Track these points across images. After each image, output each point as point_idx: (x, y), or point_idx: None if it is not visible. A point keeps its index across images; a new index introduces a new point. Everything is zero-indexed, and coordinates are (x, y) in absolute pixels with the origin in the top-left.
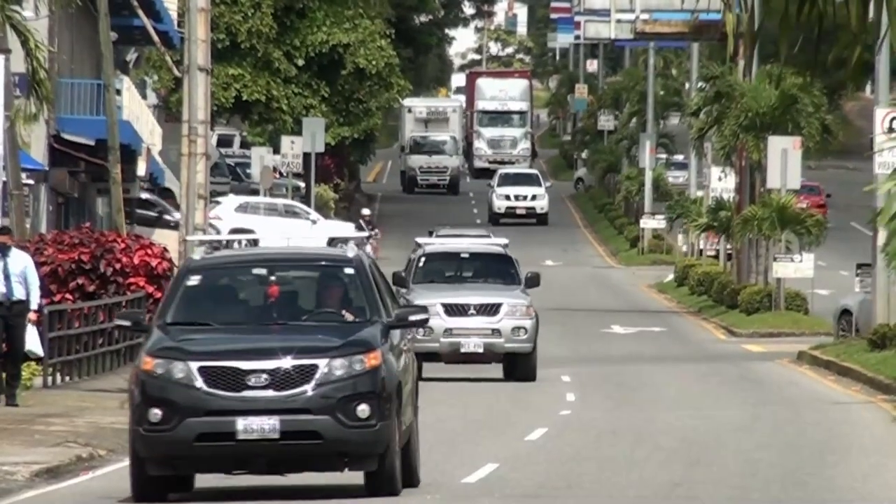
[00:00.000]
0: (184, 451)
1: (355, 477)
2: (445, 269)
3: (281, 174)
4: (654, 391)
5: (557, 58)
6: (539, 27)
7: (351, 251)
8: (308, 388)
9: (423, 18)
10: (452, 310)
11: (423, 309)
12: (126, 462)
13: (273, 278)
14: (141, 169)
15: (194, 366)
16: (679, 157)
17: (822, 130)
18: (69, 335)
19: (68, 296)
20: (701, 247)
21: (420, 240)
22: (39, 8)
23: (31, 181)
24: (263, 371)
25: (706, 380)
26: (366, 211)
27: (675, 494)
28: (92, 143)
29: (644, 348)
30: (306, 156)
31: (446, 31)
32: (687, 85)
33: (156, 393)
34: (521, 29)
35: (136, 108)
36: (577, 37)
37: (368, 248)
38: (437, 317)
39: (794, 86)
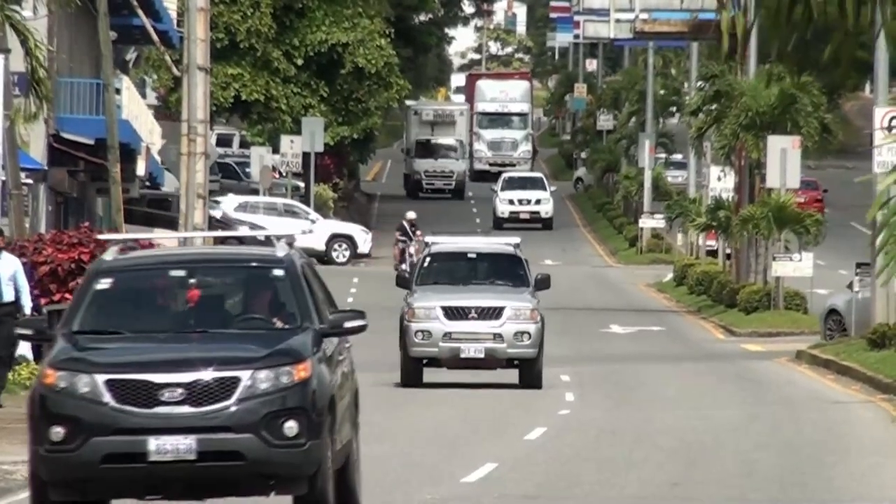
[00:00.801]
0: (89, 473)
1: (282, 501)
2: (451, 269)
3: (280, 174)
4: (653, 391)
5: (556, 57)
6: (538, 26)
7: (281, 250)
8: (229, 404)
9: (423, 18)
10: (452, 313)
11: (360, 314)
12: None
13: (193, 281)
14: (140, 168)
15: (101, 379)
16: (678, 157)
17: (822, 130)
18: None
19: (68, 295)
20: (700, 243)
21: (430, 239)
22: (38, 7)
23: (30, 181)
24: (179, 384)
25: (705, 379)
26: (411, 214)
27: (674, 494)
28: (91, 142)
29: (643, 348)
30: (305, 155)
31: (446, 30)
32: (686, 84)
33: (58, 409)
34: (521, 28)
35: (135, 107)
36: (577, 36)
37: (412, 251)
38: (437, 320)
39: (793, 85)
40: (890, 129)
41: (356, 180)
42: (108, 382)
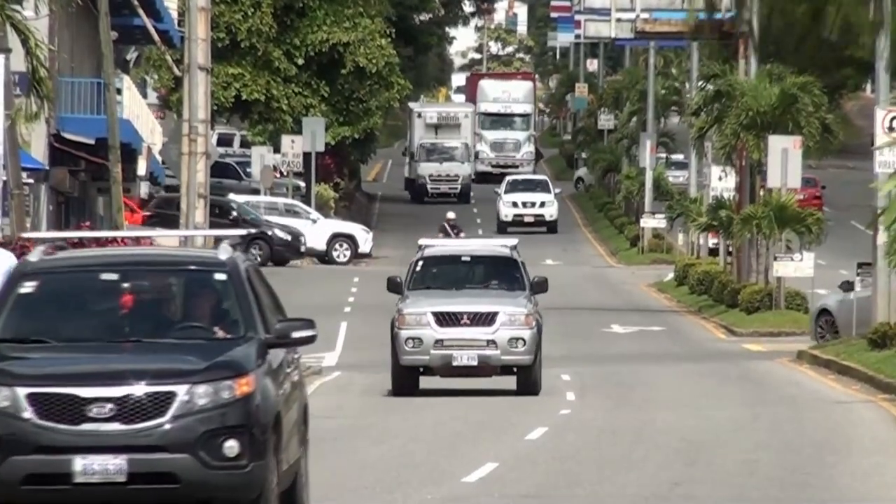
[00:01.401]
0: (9, 495)
1: None
2: (445, 273)
3: (281, 173)
4: (654, 391)
5: (557, 57)
6: (539, 26)
7: (224, 253)
8: (163, 421)
9: (424, 17)
10: (444, 319)
11: (310, 323)
12: None
13: (126, 285)
14: (141, 168)
15: (22, 392)
16: (679, 157)
17: (823, 130)
18: None
19: None
20: (702, 242)
21: (423, 241)
22: (40, 7)
23: (31, 180)
24: (109, 399)
25: (706, 379)
26: (451, 215)
27: (675, 494)
28: (92, 142)
29: (644, 348)
30: (306, 155)
31: (446, 30)
32: (687, 84)
33: None
34: (522, 28)
35: (136, 107)
36: (578, 36)
37: None
38: (428, 327)
39: (794, 85)
40: (891, 129)
41: (357, 180)
42: (30, 396)
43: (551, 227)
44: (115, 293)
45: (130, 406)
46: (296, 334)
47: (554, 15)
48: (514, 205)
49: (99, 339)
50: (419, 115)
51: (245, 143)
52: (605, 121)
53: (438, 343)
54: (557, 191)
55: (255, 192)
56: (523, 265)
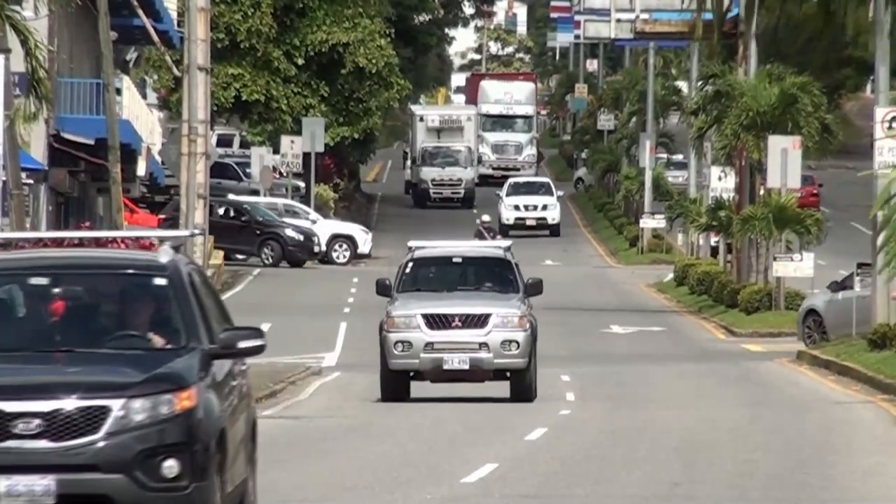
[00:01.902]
0: None
1: None
2: (435, 275)
3: (281, 174)
4: (654, 391)
5: (557, 57)
6: (539, 26)
7: (165, 256)
8: (96, 438)
9: (423, 18)
10: (434, 322)
11: (257, 332)
12: None
13: (57, 290)
14: (141, 168)
15: None
16: (679, 157)
17: (822, 130)
18: None
19: None
20: (702, 242)
21: (412, 243)
22: (39, 7)
23: (30, 181)
24: (36, 414)
25: (706, 379)
26: (486, 217)
27: (675, 494)
28: (92, 142)
29: (643, 348)
30: (306, 155)
31: (446, 30)
32: (686, 84)
33: None
34: (521, 28)
35: (135, 107)
36: (577, 36)
37: None
38: (417, 330)
39: (793, 85)
40: (891, 128)
41: (357, 181)
42: None
43: (554, 230)
44: (44, 299)
45: (60, 422)
46: (242, 344)
47: (553, 15)
48: (516, 208)
49: (26, 348)
50: (421, 119)
51: (245, 144)
52: (605, 121)
53: (429, 346)
54: (560, 193)
55: (255, 192)
56: (517, 266)
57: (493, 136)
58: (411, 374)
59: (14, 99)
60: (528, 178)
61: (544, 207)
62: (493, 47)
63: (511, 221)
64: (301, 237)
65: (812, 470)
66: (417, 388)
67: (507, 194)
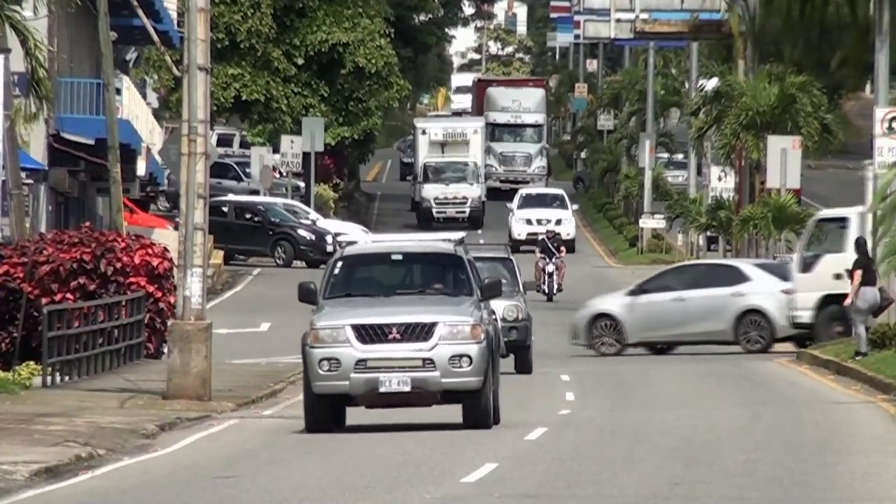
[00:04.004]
0: None
1: None
2: (370, 277)
3: (281, 174)
4: (654, 391)
5: (557, 57)
6: (539, 26)
7: None
8: None
9: (423, 18)
10: (367, 334)
11: None
12: (126, 461)
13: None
14: (140, 168)
15: None
16: (679, 157)
17: (822, 130)
18: (69, 335)
19: (69, 295)
20: (702, 243)
21: (343, 238)
22: (39, 7)
23: (30, 180)
24: None
25: (705, 379)
26: (551, 227)
27: (675, 494)
28: (91, 142)
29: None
30: (306, 155)
31: (446, 30)
32: (686, 84)
33: None
34: (521, 28)
35: (135, 107)
36: (577, 36)
37: (551, 269)
38: (347, 344)
39: (793, 85)
40: (890, 129)
41: (356, 180)
42: None
43: (569, 246)
44: None
45: None
46: None
47: (553, 15)
48: (528, 222)
49: None
50: (423, 132)
51: (244, 144)
52: (605, 121)
53: (360, 364)
54: (575, 207)
55: (255, 192)
56: (471, 264)
57: (501, 147)
58: (352, 399)
59: (14, 99)
60: (540, 190)
61: (558, 222)
62: (493, 47)
63: (523, 237)
64: (313, 237)
65: (812, 470)
66: (357, 413)
67: (519, 207)
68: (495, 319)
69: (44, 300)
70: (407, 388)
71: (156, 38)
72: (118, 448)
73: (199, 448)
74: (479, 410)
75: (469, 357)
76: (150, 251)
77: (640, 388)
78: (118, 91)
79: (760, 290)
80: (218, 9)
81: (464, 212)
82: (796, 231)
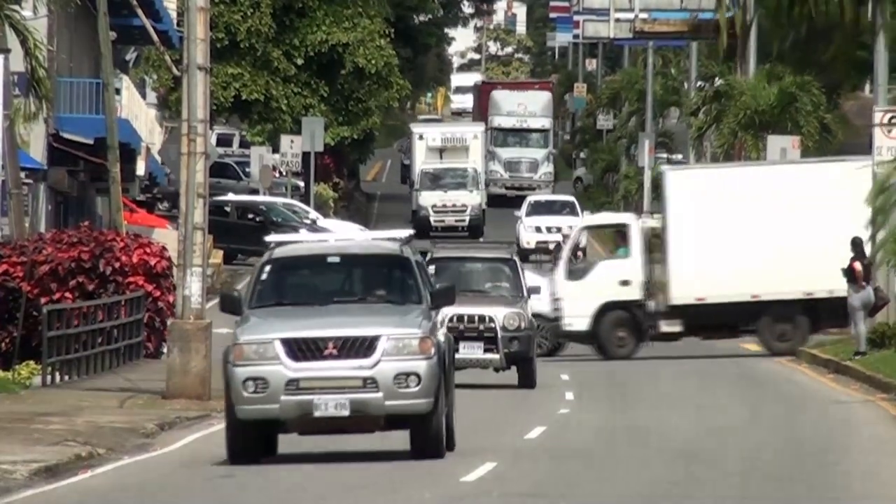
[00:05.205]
0: None
1: None
2: (303, 282)
3: (280, 173)
4: (654, 390)
5: (556, 57)
6: (538, 26)
7: None
8: None
9: (423, 18)
10: (300, 349)
11: None
12: (126, 460)
13: None
14: (140, 168)
15: None
16: (678, 157)
17: (821, 129)
18: (68, 334)
19: (68, 294)
20: None
21: (272, 238)
22: (38, 7)
23: (30, 180)
24: None
25: (705, 379)
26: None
27: (675, 493)
28: (91, 142)
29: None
30: (305, 155)
31: (445, 30)
32: (686, 84)
33: None
34: (521, 28)
35: (135, 107)
36: (576, 36)
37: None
38: (276, 361)
39: (792, 84)
40: (890, 128)
41: (356, 180)
42: None
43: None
44: None
45: None
46: None
47: (553, 15)
48: (538, 230)
49: None
50: (420, 137)
51: (244, 143)
52: (604, 120)
53: (292, 385)
54: (587, 213)
55: (254, 192)
56: (420, 266)
57: (506, 153)
58: (274, 423)
59: (14, 99)
60: (549, 197)
61: (570, 230)
62: (493, 47)
63: (532, 245)
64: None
65: (811, 469)
66: (291, 441)
67: (527, 214)
68: (448, 330)
69: (43, 300)
70: (345, 413)
71: (155, 37)
72: (118, 447)
73: (198, 447)
74: (428, 437)
75: (417, 375)
76: (148, 250)
77: (639, 387)
78: (118, 91)
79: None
80: (218, 8)
81: (463, 220)
82: None
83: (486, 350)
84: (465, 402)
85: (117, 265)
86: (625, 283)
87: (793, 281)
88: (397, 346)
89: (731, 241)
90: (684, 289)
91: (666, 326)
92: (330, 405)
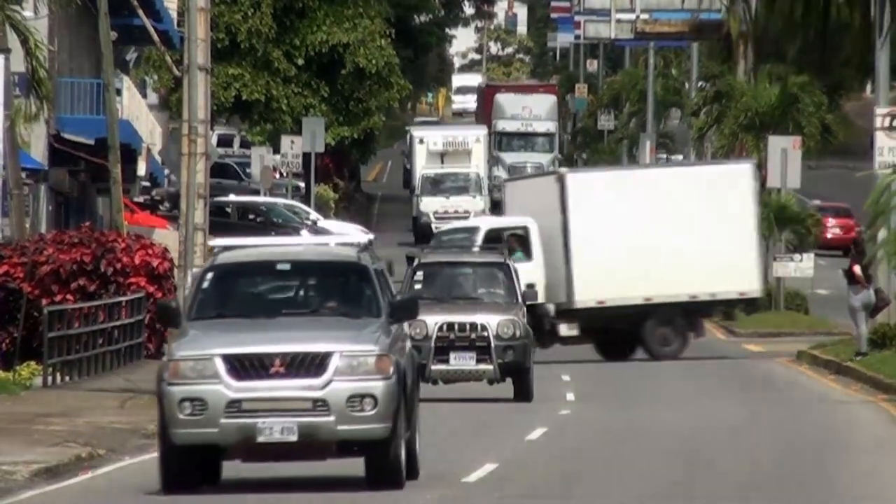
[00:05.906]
0: None
1: None
2: (248, 292)
3: (281, 174)
4: (654, 391)
5: (557, 58)
6: (539, 27)
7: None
8: None
9: (423, 18)
10: (242, 367)
11: None
12: (127, 461)
13: None
14: (141, 168)
15: None
16: (679, 157)
17: (823, 130)
18: (69, 335)
19: (69, 296)
20: None
21: (217, 241)
22: (39, 7)
23: (30, 181)
24: None
25: (706, 379)
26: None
27: (675, 494)
28: (92, 142)
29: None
30: (306, 155)
31: (446, 30)
32: (687, 84)
33: None
34: (521, 28)
35: (135, 107)
36: (577, 36)
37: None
38: (215, 380)
39: (794, 85)
40: (891, 128)
41: (357, 180)
42: None
43: None
44: None
45: None
46: None
47: (554, 16)
48: None
49: None
50: (421, 141)
51: (245, 144)
52: (605, 121)
53: (233, 406)
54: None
55: (255, 192)
56: (380, 276)
57: (510, 157)
58: (218, 449)
59: (14, 99)
60: None
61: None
62: (494, 48)
63: None
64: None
65: (812, 470)
66: (236, 466)
67: None
68: (438, 339)
69: (44, 301)
70: (293, 438)
71: (156, 37)
72: (118, 448)
73: None
74: (385, 466)
75: (373, 397)
76: (150, 251)
77: (640, 387)
78: (118, 91)
79: None
80: (218, 9)
81: None
82: (797, 231)
83: (478, 360)
84: (464, 403)
85: (119, 266)
86: (530, 286)
87: (678, 283)
88: (351, 364)
89: (627, 244)
90: (586, 292)
91: (566, 330)
92: (275, 429)
